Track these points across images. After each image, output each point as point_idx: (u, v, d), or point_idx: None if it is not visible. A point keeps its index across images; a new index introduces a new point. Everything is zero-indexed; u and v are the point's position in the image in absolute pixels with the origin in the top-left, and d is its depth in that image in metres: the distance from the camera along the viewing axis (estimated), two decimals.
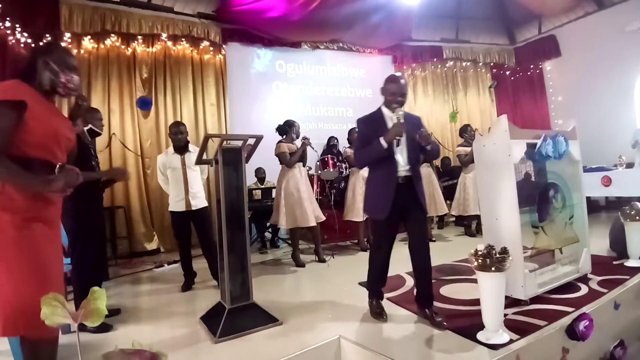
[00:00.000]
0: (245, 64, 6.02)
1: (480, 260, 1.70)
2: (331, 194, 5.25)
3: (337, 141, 5.41)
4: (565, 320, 1.89)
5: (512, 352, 1.64)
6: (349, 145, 4.63)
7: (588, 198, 2.73)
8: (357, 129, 2.15)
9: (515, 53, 7.86)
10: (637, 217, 2.74)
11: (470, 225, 4.87)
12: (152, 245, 5.05)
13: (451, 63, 7.50)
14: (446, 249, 4.12)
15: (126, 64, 5.16)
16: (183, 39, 5.46)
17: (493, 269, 1.67)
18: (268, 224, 5.06)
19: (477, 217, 4.70)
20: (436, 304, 2.13)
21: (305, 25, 5.74)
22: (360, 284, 2.88)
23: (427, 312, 2.04)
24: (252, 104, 5.97)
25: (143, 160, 5.17)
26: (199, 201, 3.18)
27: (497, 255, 1.69)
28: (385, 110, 2.14)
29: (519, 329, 1.84)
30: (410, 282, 2.79)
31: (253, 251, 4.53)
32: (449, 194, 5.31)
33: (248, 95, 5.95)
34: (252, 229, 4.99)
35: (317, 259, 3.89)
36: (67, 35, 4.68)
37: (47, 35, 4.48)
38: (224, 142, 2.27)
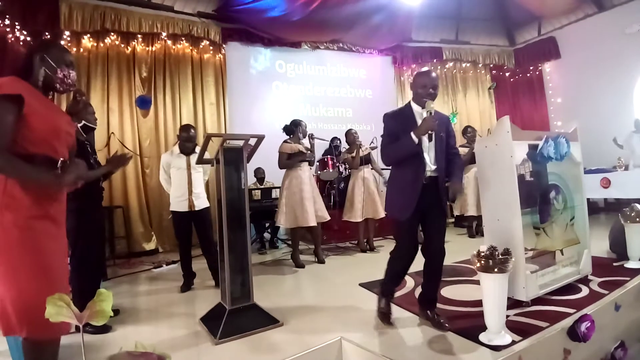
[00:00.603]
0: (245, 64, 6.01)
1: (482, 262, 1.69)
2: (331, 195, 5.25)
3: (340, 142, 5.40)
4: (567, 322, 1.89)
5: (515, 353, 1.64)
6: (347, 147, 4.59)
7: (587, 200, 2.74)
8: (383, 124, 2.05)
9: (515, 54, 7.88)
10: (637, 219, 2.74)
11: (470, 226, 4.87)
12: (150, 246, 5.03)
13: (451, 64, 7.51)
14: (446, 250, 4.11)
15: (126, 62, 5.14)
16: (183, 38, 5.45)
17: (496, 270, 1.67)
18: (267, 225, 5.06)
19: (477, 218, 4.72)
20: (438, 305, 2.12)
21: (306, 25, 5.74)
22: (361, 284, 2.87)
23: (429, 314, 2.03)
24: (252, 104, 5.96)
25: (142, 159, 5.15)
26: (202, 202, 3.19)
27: (500, 257, 1.68)
28: (414, 106, 2.03)
29: (521, 330, 1.84)
30: (411, 283, 2.78)
31: (252, 252, 4.51)
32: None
33: (248, 95, 5.94)
34: (251, 230, 4.97)
35: (316, 259, 3.88)
36: (67, 33, 4.66)
37: (47, 33, 4.46)
38: (225, 142, 2.26)
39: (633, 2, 6.06)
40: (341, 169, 5.19)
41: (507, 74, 7.97)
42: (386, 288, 2.17)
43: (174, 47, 5.42)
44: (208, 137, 2.31)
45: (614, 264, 2.91)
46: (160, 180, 3.39)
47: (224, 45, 5.76)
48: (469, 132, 4.81)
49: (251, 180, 5.18)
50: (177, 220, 3.18)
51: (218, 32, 5.66)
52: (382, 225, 4.72)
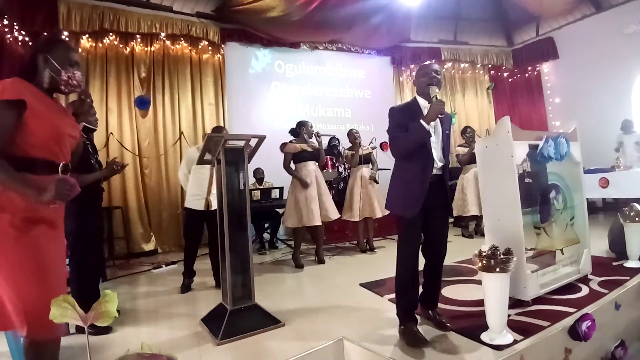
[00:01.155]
0: (244, 64, 6.01)
1: (484, 261, 1.69)
2: (330, 195, 5.24)
3: (339, 142, 5.41)
4: (568, 321, 1.89)
5: (517, 352, 1.64)
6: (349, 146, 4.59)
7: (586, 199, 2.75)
8: (389, 117, 1.99)
9: (513, 55, 7.91)
10: (637, 219, 2.76)
11: (467, 226, 4.88)
12: (149, 246, 5.01)
13: (449, 64, 7.53)
14: (447, 250, 4.12)
15: (124, 63, 5.12)
16: (182, 39, 5.43)
17: (497, 269, 1.67)
18: (266, 225, 5.06)
19: (476, 218, 4.73)
20: (439, 304, 2.12)
21: (305, 25, 5.74)
22: (361, 285, 2.88)
23: (430, 313, 2.03)
24: (251, 104, 5.95)
25: (141, 160, 5.13)
26: (216, 202, 3.18)
27: (502, 256, 1.69)
28: (420, 100, 1.99)
29: (522, 329, 1.84)
30: None
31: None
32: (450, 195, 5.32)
33: (247, 95, 5.93)
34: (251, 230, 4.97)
35: (316, 259, 3.88)
36: (65, 33, 4.63)
37: (45, 33, 4.43)
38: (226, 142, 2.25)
39: (631, 2, 6.09)
40: (340, 169, 5.20)
41: (505, 74, 8.00)
42: (403, 309, 1.93)
43: (172, 47, 5.40)
44: (209, 138, 2.30)
45: (614, 263, 2.92)
46: (178, 175, 3.36)
47: (222, 46, 5.75)
48: (468, 132, 4.82)
49: (250, 180, 5.18)
50: (190, 217, 3.15)
51: (217, 33, 5.65)
52: (381, 226, 4.73)
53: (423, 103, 1.97)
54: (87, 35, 4.84)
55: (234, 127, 5.68)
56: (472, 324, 1.92)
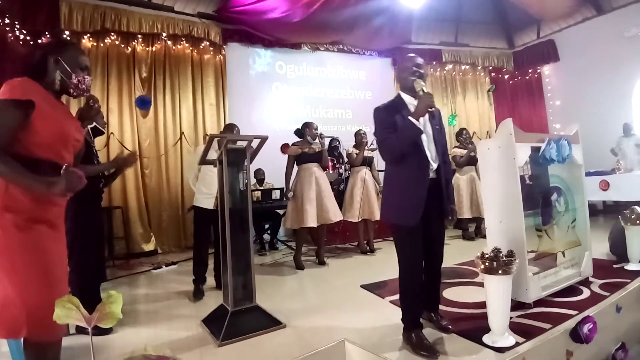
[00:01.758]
0: (245, 65, 6.01)
1: (487, 263, 1.69)
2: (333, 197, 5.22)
3: (339, 143, 5.40)
4: (569, 323, 1.89)
5: (519, 355, 1.64)
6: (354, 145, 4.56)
7: None
8: (374, 118, 1.90)
9: (514, 57, 7.92)
10: (638, 221, 2.75)
11: (467, 228, 4.88)
12: (149, 247, 5.00)
13: (450, 66, 7.54)
14: (446, 252, 4.10)
15: (125, 62, 5.12)
16: (183, 39, 5.43)
17: (500, 272, 1.67)
18: (267, 226, 5.05)
19: (473, 220, 4.73)
20: (440, 307, 2.12)
21: (307, 26, 5.74)
22: (362, 286, 2.87)
23: (432, 316, 2.02)
24: (252, 105, 5.96)
25: (141, 160, 5.12)
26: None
27: (504, 259, 1.69)
28: (405, 97, 1.91)
29: (524, 331, 1.84)
30: None
31: None
32: None
33: (248, 95, 5.94)
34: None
35: (317, 261, 3.87)
36: (67, 33, 4.63)
37: (47, 33, 4.44)
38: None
39: (632, 5, 6.10)
40: (341, 171, 5.19)
41: (506, 77, 8.01)
42: (410, 316, 1.86)
43: (174, 47, 5.41)
44: (211, 138, 2.30)
45: (614, 266, 2.92)
46: (187, 176, 3.34)
47: (224, 46, 5.75)
48: (464, 135, 4.83)
49: (251, 181, 5.18)
50: (198, 215, 3.13)
51: (218, 33, 5.66)
52: (381, 227, 4.72)
53: (408, 99, 1.89)
54: (88, 35, 4.84)
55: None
56: (474, 326, 1.92)
